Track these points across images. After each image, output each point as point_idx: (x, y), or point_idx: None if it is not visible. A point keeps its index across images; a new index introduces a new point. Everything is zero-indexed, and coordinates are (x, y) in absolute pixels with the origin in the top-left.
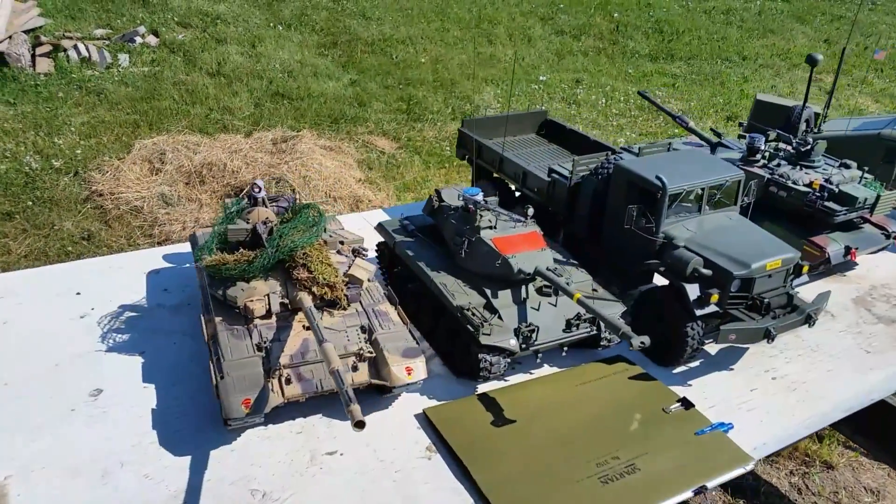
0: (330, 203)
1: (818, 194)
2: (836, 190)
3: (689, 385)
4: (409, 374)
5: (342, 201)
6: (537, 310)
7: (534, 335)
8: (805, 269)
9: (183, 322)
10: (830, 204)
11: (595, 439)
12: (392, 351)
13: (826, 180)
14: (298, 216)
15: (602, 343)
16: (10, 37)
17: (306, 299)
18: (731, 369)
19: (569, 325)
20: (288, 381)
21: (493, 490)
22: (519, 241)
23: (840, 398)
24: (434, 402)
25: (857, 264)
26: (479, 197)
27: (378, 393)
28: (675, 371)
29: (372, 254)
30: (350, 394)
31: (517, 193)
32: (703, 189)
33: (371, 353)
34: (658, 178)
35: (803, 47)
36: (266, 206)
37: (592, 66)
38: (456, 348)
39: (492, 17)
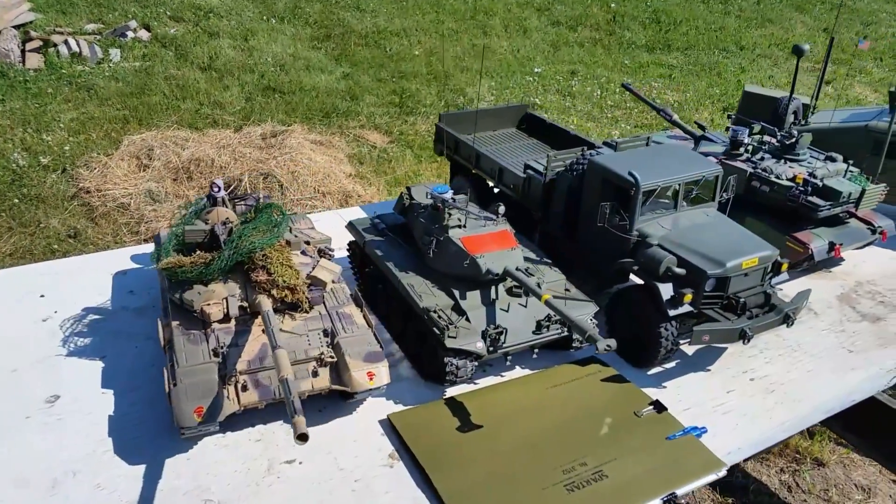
0: (318, 198)
1: (801, 189)
2: (820, 184)
3: (664, 387)
4: (371, 379)
5: (331, 196)
6: (507, 311)
7: (502, 337)
8: (784, 266)
9: (146, 325)
10: (814, 199)
11: (563, 445)
12: (354, 355)
13: (810, 174)
14: (259, 216)
15: (574, 344)
16: None
17: (265, 302)
18: (709, 370)
19: (539, 327)
20: (244, 388)
21: (454, 499)
22: (488, 240)
23: (819, 400)
24: (400, 407)
25: (843, 260)
26: (448, 195)
27: (342, 398)
28: (649, 372)
29: (344, 253)
30: (296, 404)
31: (496, 190)
32: (678, 185)
33: (332, 357)
34: (631, 174)
35: (802, 37)
36: (226, 206)
37: (588, 58)
38: (424, 351)
39: (487, 7)
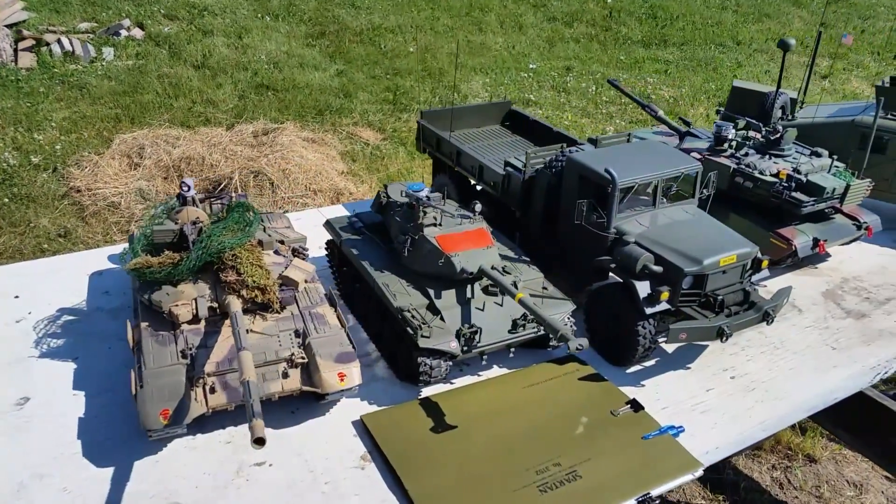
0: (309, 196)
1: (785, 184)
2: (804, 180)
3: (643, 385)
4: (342, 380)
5: (323, 194)
6: (482, 310)
7: (476, 337)
8: (765, 263)
9: (120, 326)
10: (797, 194)
11: (537, 445)
12: (324, 356)
13: (794, 169)
14: (230, 216)
15: (551, 343)
16: None
17: (234, 303)
18: (689, 368)
19: (515, 326)
20: (212, 390)
21: (425, 501)
22: (463, 238)
23: (801, 398)
24: (375, 408)
25: (829, 256)
26: (423, 193)
27: (315, 399)
28: (628, 371)
29: (323, 252)
30: (256, 408)
31: (479, 188)
32: (657, 182)
33: (303, 358)
34: (607, 170)
35: (799, 31)
36: (197, 206)
37: (584, 54)
38: (399, 351)
39: (483, 4)
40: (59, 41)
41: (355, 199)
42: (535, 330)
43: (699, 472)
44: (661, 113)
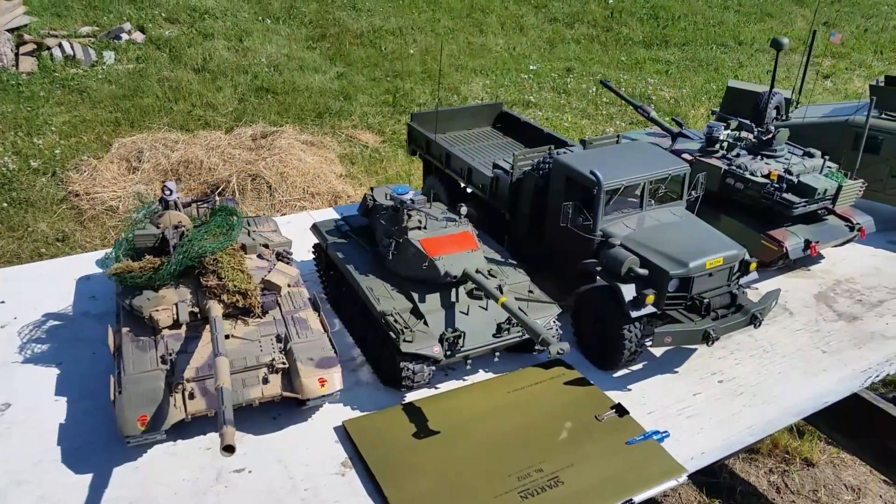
0: (307, 199)
1: (776, 186)
2: (795, 181)
3: (629, 390)
4: (323, 385)
5: (320, 197)
6: (466, 314)
7: (460, 341)
8: (753, 266)
9: (106, 331)
10: (789, 195)
11: (520, 451)
12: (305, 362)
13: (785, 170)
14: (213, 219)
15: (536, 347)
16: None
17: (215, 308)
18: (676, 372)
19: (500, 330)
20: (192, 396)
21: None
22: (448, 241)
23: (789, 402)
24: (358, 413)
25: (822, 258)
26: (408, 196)
27: (297, 404)
28: (615, 375)
29: (310, 256)
30: (228, 415)
31: (469, 190)
32: (644, 184)
33: (284, 363)
34: (593, 172)
35: (802, 31)
36: (179, 210)
37: (584, 55)
38: (382, 355)
39: (484, 6)
40: (60, 45)
41: (353, 202)
42: (520, 334)
43: (683, 478)
44: (653, 114)
